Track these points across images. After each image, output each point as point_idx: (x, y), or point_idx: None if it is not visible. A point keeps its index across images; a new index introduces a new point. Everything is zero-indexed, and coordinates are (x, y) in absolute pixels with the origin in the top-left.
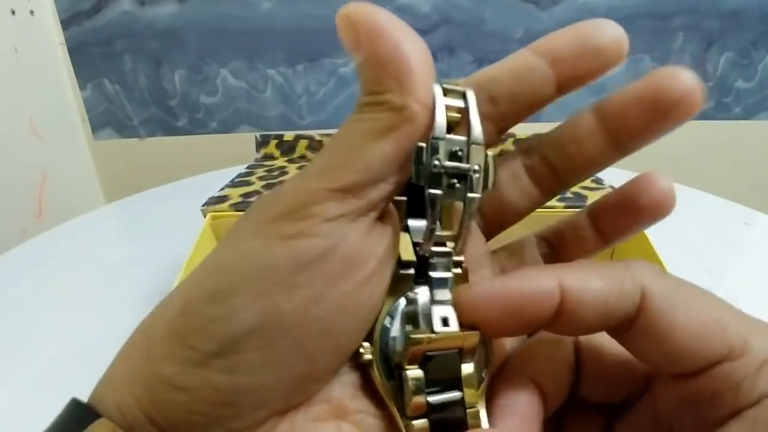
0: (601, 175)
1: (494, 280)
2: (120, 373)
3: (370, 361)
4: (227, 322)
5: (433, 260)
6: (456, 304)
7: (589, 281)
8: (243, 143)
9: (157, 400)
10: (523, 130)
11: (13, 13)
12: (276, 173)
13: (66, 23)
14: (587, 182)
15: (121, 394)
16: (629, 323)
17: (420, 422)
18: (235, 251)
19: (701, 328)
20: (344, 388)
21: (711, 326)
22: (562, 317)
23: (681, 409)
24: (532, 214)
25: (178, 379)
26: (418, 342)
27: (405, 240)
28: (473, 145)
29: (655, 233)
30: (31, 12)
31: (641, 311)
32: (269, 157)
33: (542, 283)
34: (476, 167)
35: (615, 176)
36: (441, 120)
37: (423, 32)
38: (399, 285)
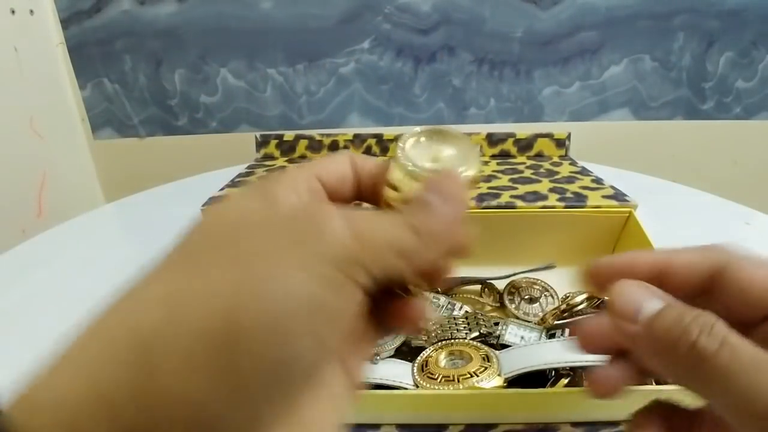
0: (601, 174)
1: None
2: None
3: None
4: None
5: None
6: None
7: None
8: (243, 143)
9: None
10: (522, 129)
11: (13, 12)
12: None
13: (66, 23)
14: (587, 182)
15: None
16: (716, 278)
17: None
18: None
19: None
20: None
21: None
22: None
23: None
24: (533, 214)
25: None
26: None
27: None
28: None
29: (655, 232)
30: (31, 11)
31: (724, 268)
32: (269, 157)
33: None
34: None
35: (614, 176)
36: None
37: (423, 32)
38: None
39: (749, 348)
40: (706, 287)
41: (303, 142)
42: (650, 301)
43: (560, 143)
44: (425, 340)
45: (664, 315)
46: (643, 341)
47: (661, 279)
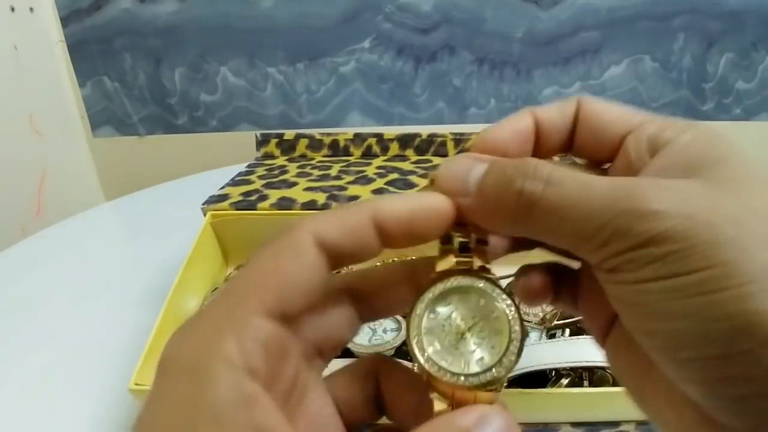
0: None
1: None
2: None
3: None
4: None
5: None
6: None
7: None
8: (243, 142)
9: None
10: None
11: (13, 10)
12: (276, 172)
13: (66, 20)
14: None
15: None
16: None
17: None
18: None
19: (619, 110)
20: None
21: (626, 110)
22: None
23: None
24: None
25: None
26: None
27: None
28: None
29: None
30: (31, 9)
31: (579, 109)
32: (269, 156)
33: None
34: None
35: None
36: None
37: (424, 31)
38: None
39: (576, 178)
40: (571, 136)
41: (303, 141)
42: (476, 168)
43: None
44: None
45: (487, 174)
46: (480, 210)
47: (536, 144)
